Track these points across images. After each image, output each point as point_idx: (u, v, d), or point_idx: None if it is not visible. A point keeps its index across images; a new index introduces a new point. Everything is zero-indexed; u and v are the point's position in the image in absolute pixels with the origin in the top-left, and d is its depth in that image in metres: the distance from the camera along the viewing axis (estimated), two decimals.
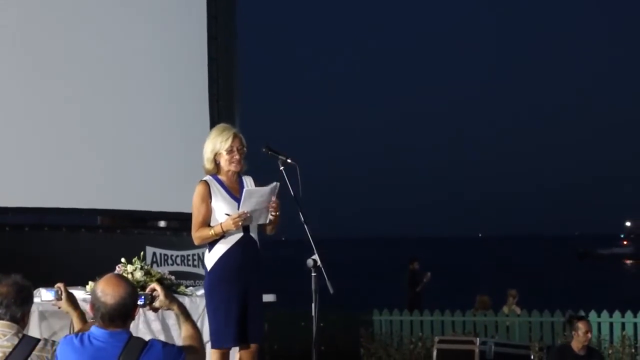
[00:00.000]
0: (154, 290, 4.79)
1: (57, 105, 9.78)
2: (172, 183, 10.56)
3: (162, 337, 7.35)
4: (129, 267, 7.65)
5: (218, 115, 11.08)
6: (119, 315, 4.48)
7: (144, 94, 10.53)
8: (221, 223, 6.71)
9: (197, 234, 6.81)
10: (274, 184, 6.75)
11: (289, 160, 6.78)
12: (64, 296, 5.47)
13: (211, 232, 6.73)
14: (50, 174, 9.67)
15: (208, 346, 6.28)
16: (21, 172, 9.49)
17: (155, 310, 4.85)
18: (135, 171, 10.35)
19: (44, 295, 5.54)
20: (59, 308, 5.58)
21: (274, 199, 6.76)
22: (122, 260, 7.72)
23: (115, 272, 7.60)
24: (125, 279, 4.64)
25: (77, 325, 5.40)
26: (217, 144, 6.82)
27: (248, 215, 6.70)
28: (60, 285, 5.49)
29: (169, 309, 4.83)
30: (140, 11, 10.60)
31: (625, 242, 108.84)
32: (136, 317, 4.83)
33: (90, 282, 7.46)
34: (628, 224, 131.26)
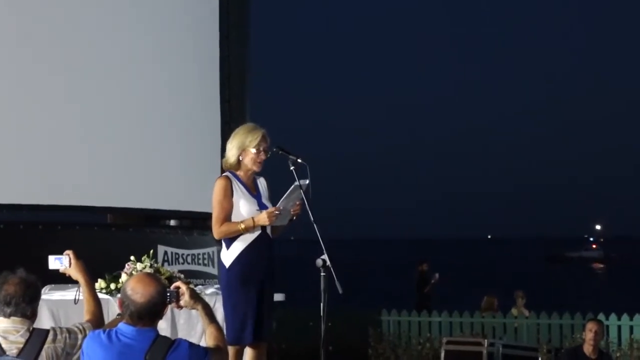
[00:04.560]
0: (178, 288, 4.82)
1: (69, 104, 9.83)
2: (184, 182, 10.62)
3: (168, 332, 7.40)
4: (139, 265, 7.68)
5: (230, 115, 11.14)
6: (148, 314, 4.53)
7: (156, 93, 10.57)
8: (253, 217, 6.73)
9: (223, 229, 6.79)
10: (306, 182, 6.76)
11: (299, 160, 6.82)
12: (73, 263, 5.41)
13: (240, 226, 6.74)
14: (63, 172, 9.71)
15: None
16: (34, 170, 9.54)
17: (180, 308, 4.87)
18: (147, 170, 10.40)
19: (51, 264, 5.47)
20: (68, 275, 5.50)
21: (297, 202, 6.81)
22: (132, 258, 7.77)
23: (125, 269, 7.67)
24: (157, 278, 4.66)
25: (85, 292, 5.34)
26: (247, 141, 6.84)
27: (281, 212, 6.77)
28: (69, 252, 5.44)
29: (193, 308, 4.84)
30: (152, 10, 10.64)
31: (594, 246, 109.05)
32: None
33: (99, 280, 7.52)
34: (598, 227, 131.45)
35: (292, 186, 6.75)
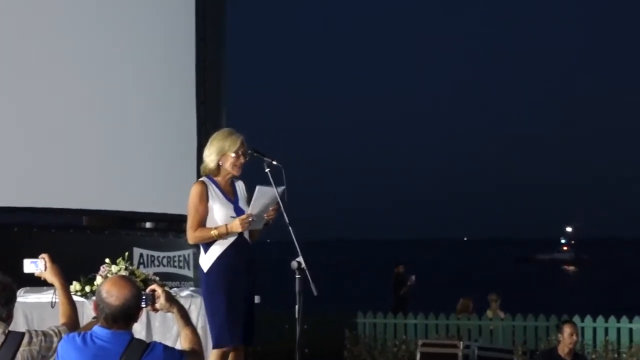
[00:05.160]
0: (154, 291, 4.82)
1: (44, 106, 9.79)
2: (160, 184, 10.60)
3: (143, 334, 7.40)
4: (114, 268, 7.67)
5: (205, 117, 11.13)
6: (123, 317, 4.53)
7: (131, 96, 10.55)
8: (226, 224, 6.77)
9: (197, 234, 6.83)
10: (281, 188, 6.80)
11: (274, 163, 6.85)
12: (48, 266, 5.41)
13: (214, 232, 6.78)
14: (39, 174, 9.67)
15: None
16: (10, 172, 9.50)
17: (156, 311, 4.87)
18: (123, 172, 10.37)
19: (27, 267, 5.46)
20: (43, 279, 5.48)
21: (272, 207, 6.84)
22: (107, 260, 7.75)
23: (100, 272, 7.65)
24: (131, 281, 4.66)
25: (60, 295, 5.34)
26: (226, 146, 6.88)
27: (254, 218, 6.79)
28: (44, 255, 5.43)
29: (169, 311, 4.84)
30: (127, 11, 10.61)
31: (565, 248, 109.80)
32: None
33: (74, 282, 7.51)
34: (569, 229, 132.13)
35: (256, 190, 6.76)
